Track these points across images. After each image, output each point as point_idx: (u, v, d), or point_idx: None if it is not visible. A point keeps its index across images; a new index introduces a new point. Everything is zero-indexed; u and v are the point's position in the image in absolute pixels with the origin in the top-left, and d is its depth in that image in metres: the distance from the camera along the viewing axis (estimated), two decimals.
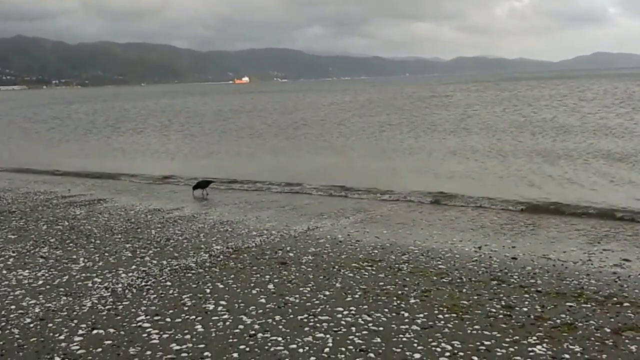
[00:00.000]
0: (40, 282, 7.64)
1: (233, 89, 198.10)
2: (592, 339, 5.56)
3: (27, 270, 8.19)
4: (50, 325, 6.11)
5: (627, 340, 5.51)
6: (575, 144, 22.84)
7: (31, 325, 6.13)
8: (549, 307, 6.41)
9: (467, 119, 37.50)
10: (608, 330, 5.76)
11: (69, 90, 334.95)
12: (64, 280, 7.70)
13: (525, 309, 6.36)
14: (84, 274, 7.94)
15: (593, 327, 5.85)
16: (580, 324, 5.91)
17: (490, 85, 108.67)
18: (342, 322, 6.02)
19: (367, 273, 7.81)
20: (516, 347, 5.37)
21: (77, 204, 13.78)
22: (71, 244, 9.75)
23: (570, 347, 5.37)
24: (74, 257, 8.92)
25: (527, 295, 6.82)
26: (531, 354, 5.24)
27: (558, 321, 6.00)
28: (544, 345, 5.41)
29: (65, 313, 6.45)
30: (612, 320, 6.03)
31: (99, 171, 20.70)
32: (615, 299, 6.70)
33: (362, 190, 15.12)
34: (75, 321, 6.19)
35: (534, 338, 5.57)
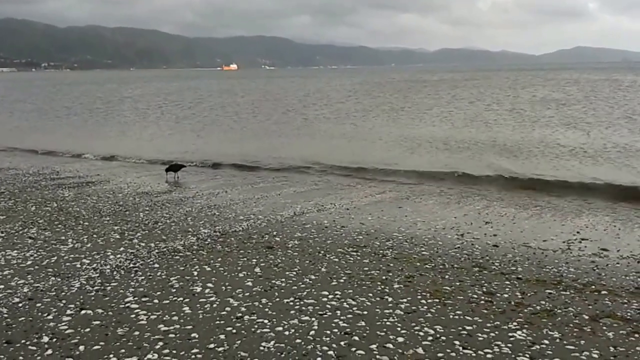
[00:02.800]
0: (29, 262, 7.67)
1: (222, 75, 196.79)
2: (571, 325, 5.70)
3: (15, 251, 8.21)
4: (38, 305, 6.15)
5: (604, 327, 5.66)
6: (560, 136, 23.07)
7: (20, 305, 6.16)
8: (529, 294, 6.56)
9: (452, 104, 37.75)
10: (586, 317, 5.91)
11: (59, 74, 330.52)
12: (53, 261, 7.73)
13: (505, 296, 6.51)
14: (72, 255, 7.98)
15: (572, 313, 5.99)
16: (559, 311, 6.06)
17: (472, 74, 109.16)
18: (328, 306, 6.12)
19: (352, 258, 7.93)
20: (497, 332, 5.50)
21: (65, 186, 13.76)
22: (60, 225, 9.77)
23: (550, 333, 5.51)
24: (63, 238, 8.95)
25: (507, 282, 6.98)
26: (511, 339, 5.36)
27: (538, 308, 6.14)
28: (524, 330, 5.54)
29: (54, 293, 6.49)
30: (590, 307, 6.19)
31: (88, 154, 20.65)
32: (593, 286, 6.87)
33: (348, 178, 15.35)
34: (64, 301, 6.23)
35: (514, 324, 5.70)
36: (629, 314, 6.00)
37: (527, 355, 5.03)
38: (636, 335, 5.45)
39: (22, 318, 5.81)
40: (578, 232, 9.66)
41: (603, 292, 6.68)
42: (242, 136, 26.70)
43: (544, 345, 5.24)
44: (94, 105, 49.82)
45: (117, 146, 23.74)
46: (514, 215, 10.93)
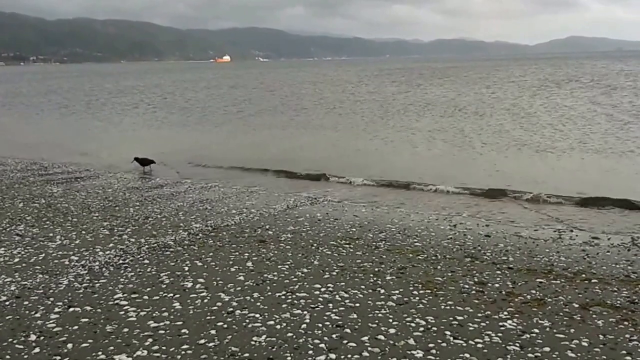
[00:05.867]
0: (16, 259, 7.59)
1: (215, 68, 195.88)
2: (561, 314, 5.71)
3: (2, 248, 8.12)
4: (26, 303, 6.09)
5: (594, 315, 5.67)
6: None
7: (7, 303, 6.10)
8: (519, 283, 6.57)
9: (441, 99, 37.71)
10: (576, 305, 5.92)
11: (48, 67, 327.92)
12: (41, 258, 7.66)
13: (497, 285, 6.51)
14: (60, 252, 7.91)
15: (562, 302, 6.01)
16: (549, 300, 6.07)
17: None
18: (320, 299, 6.10)
19: (344, 251, 7.92)
20: (488, 322, 5.50)
21: (54, 182, 13.65)
22: (48, 222, 9.69)
23: (540, 322, 5.52)
24: (51, 235, 8.87)
25: (499, 272, 6.98)
26: (502, 328, 5.36)
27: (528, 297, 6.15)
28: (515, 320, 5.55)
29: (42, 291, 6.43)
30: (580, 296, 6.20)
31: (78, 150, 20.52)
32: (583, 275, 6.89)
33: (340, 170, 15.31)
34: (52, 299, 6.18)
35: (505, 313, 5.71)
36: (618, 301, 6.02)
37: (518, 344, 5.03)
38: (625, 323, 5.47)
39: (9, 316, 5.75)
40: (569, 222, 9.68)
41: (593, 280, 6.70)
42: (235, 129, 26.59)
43: (534, 334, 5.24)
44: (87, 100, 49.45)
45: (107, 142, 23.60)
46: (505, 207, 10.93)
